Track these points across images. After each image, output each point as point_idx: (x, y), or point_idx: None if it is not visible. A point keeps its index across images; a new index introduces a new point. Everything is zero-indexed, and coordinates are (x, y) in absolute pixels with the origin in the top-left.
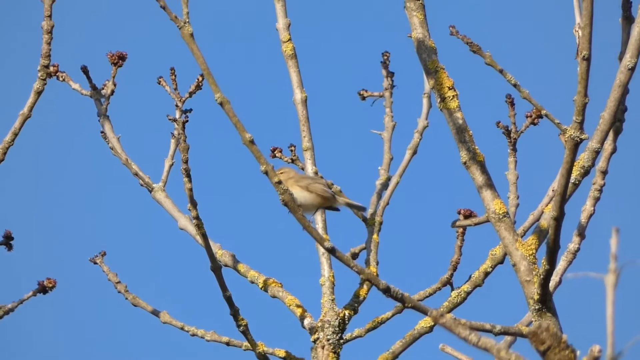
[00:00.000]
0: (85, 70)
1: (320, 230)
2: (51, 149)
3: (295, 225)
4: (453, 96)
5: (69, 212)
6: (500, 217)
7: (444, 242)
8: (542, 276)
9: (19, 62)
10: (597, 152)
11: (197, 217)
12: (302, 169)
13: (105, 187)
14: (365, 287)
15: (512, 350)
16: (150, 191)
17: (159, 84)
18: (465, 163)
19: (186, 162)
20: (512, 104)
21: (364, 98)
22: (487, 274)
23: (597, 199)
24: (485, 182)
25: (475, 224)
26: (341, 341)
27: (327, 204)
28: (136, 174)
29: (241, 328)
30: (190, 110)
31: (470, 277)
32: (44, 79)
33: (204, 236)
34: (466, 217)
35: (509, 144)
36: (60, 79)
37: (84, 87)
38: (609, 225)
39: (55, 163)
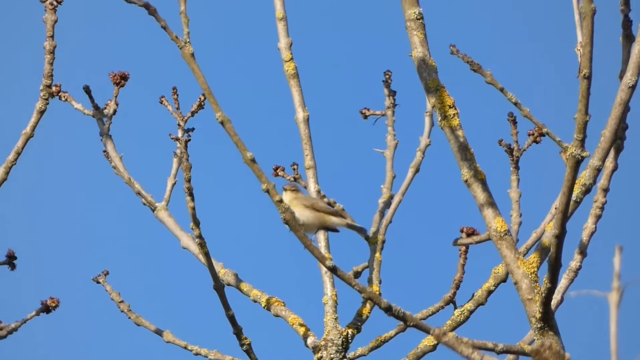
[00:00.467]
0: (87, 90)
1: (323, 249)
2: (54, 168)
3: (297, 243)
4: (454, 114)
5: (72, 232)
6: (502, 235)
7: (446, 260)
8: (543, 294)
9: (21, 81)
10: (598, 170)
11: (199, 236)
12: (305, 187)
13: (108, 206)
14: (368, 305)
15: None
16: (153, 210)
17: (161, 103)
18: (466, 181)
19: (189, 181)
20: (514, 122)
21: (366, 117)
22: (490, 292)
23: (598, 217)
24: (487, 200)
25: (477, 242)
26: None
27: (331, 222)
28: (139, 193)
29: (244, 347)
30: (193, 129)
31: (473, 295)
32: (47, 99)
33: (207, 255)
34: (469, 235)
35: (512, 162)
36: (63, 98)
37: (87, 107)
38: (610, 243)
39: (58, 182)
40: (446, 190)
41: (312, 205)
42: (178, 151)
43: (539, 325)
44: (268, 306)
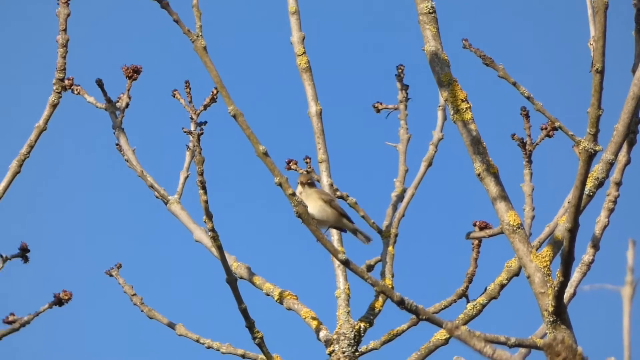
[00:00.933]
0: (100, 83)
1: (336, 243)
2: (66, 161)
3: (310, 237)
4: (467, 108)
5: (85, 225)
6: (515, 228)
7: (459, 254)
8: (556, 288)
9: (34, 75)
10: (611, 164)
11: (212, 230)
12: (318, 180)
13: (121, 199)
14: (380, 299)
15: None
16: (166, 203)
17: (174, 96)
18: (479, 174)
19: (202, 174)
20: (527, 116)
21: (378, 110)
22: (502, 286)
23: (611, 211)
24: (499, 193)
25: (490, 236)
26: (357, 353)
27: (342, 224)
28: (151, 186)
29: (257, 340)
30: (205, 122)
31: (485, 289)
32: (59, 92)
33: (220, 248)
34: (481, 228)
35: (524, 156)
36: (75, 92)
37: (99, 100)
38: (623, 236)
39: (71, 175)
40: (459, 184)
41: (330, 201)
42: (191, 144)
43: (551, 319)
44: (280, 299)
